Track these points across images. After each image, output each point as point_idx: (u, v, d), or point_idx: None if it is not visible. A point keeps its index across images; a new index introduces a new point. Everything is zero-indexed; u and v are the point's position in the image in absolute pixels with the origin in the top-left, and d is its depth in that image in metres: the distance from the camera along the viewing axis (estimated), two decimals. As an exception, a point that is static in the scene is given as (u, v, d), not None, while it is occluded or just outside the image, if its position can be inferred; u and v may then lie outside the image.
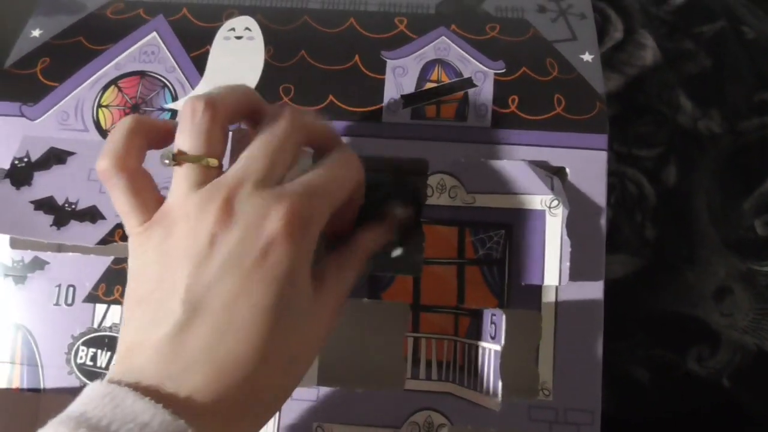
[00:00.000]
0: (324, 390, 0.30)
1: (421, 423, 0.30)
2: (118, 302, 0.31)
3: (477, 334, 0.30)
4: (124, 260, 0.32)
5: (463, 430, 0.30)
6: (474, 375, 0.29)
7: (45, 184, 0.32)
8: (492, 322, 0.28)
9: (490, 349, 0.28)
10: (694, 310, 0.43)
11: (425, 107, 0.32)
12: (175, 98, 0.34)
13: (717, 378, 0.42)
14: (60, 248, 0.32)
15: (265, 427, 0.30)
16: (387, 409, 0.30)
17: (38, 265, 0.32)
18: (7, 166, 0.32)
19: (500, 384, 0.27)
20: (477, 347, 0.30)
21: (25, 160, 0.32)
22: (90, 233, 0.31)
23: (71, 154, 0.32)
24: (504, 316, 0.27)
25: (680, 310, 0.43)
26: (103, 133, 0.33)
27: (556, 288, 0.30)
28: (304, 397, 0.31)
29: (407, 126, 0.32)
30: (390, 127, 0.32)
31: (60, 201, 0.31)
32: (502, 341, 0.27)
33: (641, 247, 0.43)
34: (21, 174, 0.32)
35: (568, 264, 0.29)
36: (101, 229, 0.31)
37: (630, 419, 0.42)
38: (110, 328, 0.31)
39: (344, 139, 0.32)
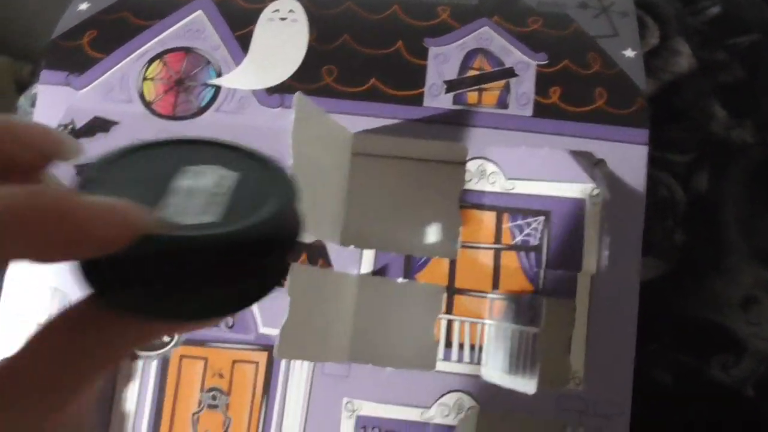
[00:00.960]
0: (355, 366, 0.31)
1: (450, 405, 0.30)
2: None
3: (513, 318, 0.30)
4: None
5: (492, 414, 0.30)
6: (510, 357, 0.30)
7: (89, 152, 0.32)
8: (530, 307, 0.28)
9: (527, 333, 0.29)
10: (721, 318, 0.43)
11: (467, 93, 0.33)
12: (219, 75, 0.34)
13: (741, 386, 0.42)
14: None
15: (296, 400, 0.31)
16: (417, 389, 0.31)
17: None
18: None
19: (536, 367, 0.27)
20: (513, 331, 0.30)
21: (70, 127, 0.33)
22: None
23: (115, 123, 0.33)
24: (544, 301, 0.27)
25: (706, 316, 0.43)
26: (148, 104, 0.34)
27: (592, 278, 0.30)
28: (335, 373, 0.31)
29: (449, 111, 0.33)
30: (431, 111, 0.33)
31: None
32: (540, 325, 0.27)
33: (670, 251, 0.43)
34: (65, 140, 0.33)
35: (606, 253, 0.29)
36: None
37: (651, 422, 0.42)
38: (145, 295, 0.32)
39: (384, 122, 0.33)
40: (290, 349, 0.29)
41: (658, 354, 0.43)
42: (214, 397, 0.31)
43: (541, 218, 0.31)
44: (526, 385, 0.28)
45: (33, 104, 0.47)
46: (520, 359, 0.29)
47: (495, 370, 0.30)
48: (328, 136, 0.32)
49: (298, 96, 0.30)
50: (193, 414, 0.31)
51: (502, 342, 0.30)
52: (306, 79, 0.34)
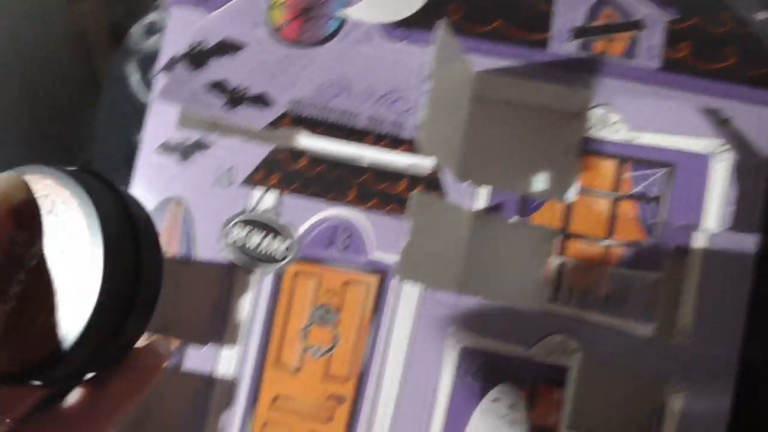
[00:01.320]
0: (464, 299, 0.32)
1: (554, 345, 0.31)
2: (275, 188, 0.33)
3: (631, 264, 0.30)
4: (285, 150, 0.33)
5: (595, 358, 0.31)
6: (623, 303, 0.30)
7: (218, 70, 0.34)
8: (653, 252, 0.29)
9: (645, 279, 0.29)
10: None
11: (594, 42, 0.33)
12: (346, 6, 0.35)
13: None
14: (223, 131, 0.34)
15: (403, 324, 0.32)
16: (522, 327, 0.31)
17: (202, 145, 0.34)
18: (184, 51, 0.34)
19: (652, 314, 0.28)
20: (630, 276, 0.30)
21: (201, 46, 0.34)
22: (258, 117, 0.32)
23: (242, 46, 0.34)
24: (670, 246, 0.28)
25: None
26: (274, 30, 0.35)
27: (709, 234, 0.31)
28: (444, 302, 0.32)
29: (574, 57, 0.33)
30: (557, 56, 0.33)
31: (232, 85, 0.33)
32: (660, 272, 0.27)
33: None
34: (196, 58, 0.34)
35: (731, 209, 0.29)
36: (269, 114, 0.32)
37: (739, 397, 0.42)
38: (264, 212, 0.33)
39: (508, 63, 0.33)
40: (409, 271, 0.30)
41: (752, 329, 0.43)
42: (324, 314, 0.32)
43: (664, 170, 0.31)
44: (640, 330, 0.29)
45: (148, 32, 0.49)
46: (635, 305, 0.30)
47: (606, 315, 0.31)
48: (457, 70, 0.32)
49: (443, 23, 0.30)
50: (303, 328, 0.33)
51: (617, 287, 0.31)
52: (432, 15, 0.34)
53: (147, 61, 0.49)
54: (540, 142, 0.34)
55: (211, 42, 0.34)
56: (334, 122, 0.33)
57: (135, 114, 0.50)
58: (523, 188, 0.33)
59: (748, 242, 0.30)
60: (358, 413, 0.32)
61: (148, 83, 0.48)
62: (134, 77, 0.49)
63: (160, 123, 0.34)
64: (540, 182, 0.33)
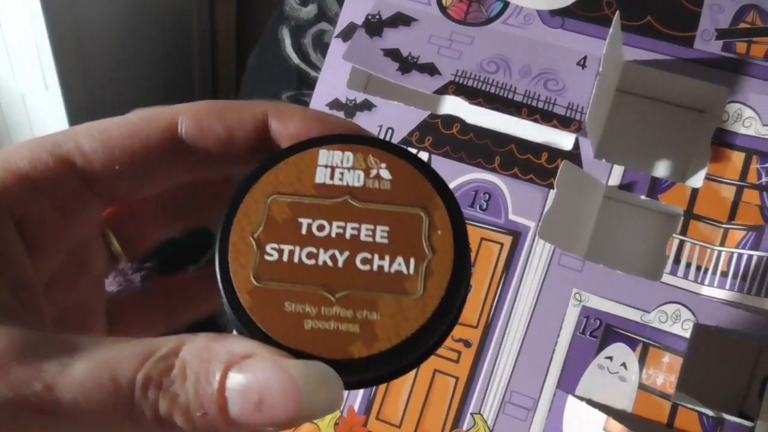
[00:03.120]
0: (589, 264, 0.37)
1: (669, 313, 0.36)
2: (427, 150, 0.39)
3: (754, 245, 0.35)
4: (439, 116, 0.39)
5: (707, 329, 0.35)
6: (742, 280, 0.35)
7: (392, 39, 0.40)
8: (771, 235, 0.33)
9: (762, 260, 0.33)
10: None
11: (736, 43, 0.37)
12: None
13: None
14: (395, 93, 0.40)
15: (531, 282, 0.37)
16: (641, 294, 0.36)
17: (367, 106, 0.40)
18: (361, 21, 0.40)
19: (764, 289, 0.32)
20: (752, 257, 0.35)
21: (377, 17, 0.40)
22: (427, 83, 0.38)
23: (415, 20, 0.40)
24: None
25: None
26: (443, 8, 0.40)
27: (826, 227, 0.35)
28: (570, 265, 0.37)
29: (717, 56, 0.37)
30: (700, 53, 0.37)
31: (404, 54, 0.39)
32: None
33: None
34: (373, 27, 0.40)
35: None
36: (437, 82, 0.38)
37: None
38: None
39: (655, 57, 0.38)
40: (549, 233, 0.35)
41: None
42: (464, 264, 0.38)
43: (792, 164, 0.35)
44: (759, 303, 0.33)
45: (302, 3, 0.56)
46: (755, 282, 0.34)
47: (720, 289, 0.36)
48: (616, 57, 0.37)
49: (618, 15, 0.35)
50: (443, 274, 0.38)
51: (736, 265, 0.35)
52: (587, 7, 0.39)
53: (299, 29, 0.56)
54: (673, 132, 0.38)
55: (387, 14, 0.40)
56: (493, 94, 0.38)
57: (285, 74, 0.57)
58: (654, 170, 0.38)
59: None
60: (483, 358, 0.38)
61: (298, 48, 0.54)
62: (287, 41, 0.55)
63: (330, 82, 0.41)
64: (670, 167, 0.37)
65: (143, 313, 0.25)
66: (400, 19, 0.40)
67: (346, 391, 0.39)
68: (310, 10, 0.55)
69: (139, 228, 0.24)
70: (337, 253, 0.19)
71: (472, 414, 0.37)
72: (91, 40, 0.66)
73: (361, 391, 0.39)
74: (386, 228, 0.19)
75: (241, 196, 0.19)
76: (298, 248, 0.19)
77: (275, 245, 0.19)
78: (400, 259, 0.19)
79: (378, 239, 0.19)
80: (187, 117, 0.20)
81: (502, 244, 0.38)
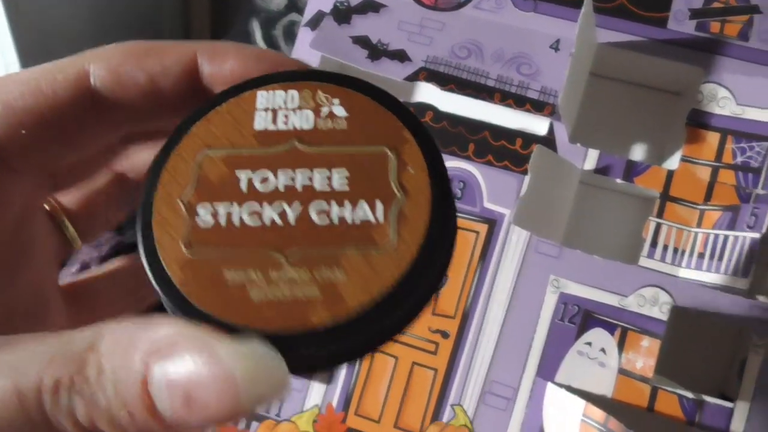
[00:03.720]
0: (566, 250, 0.37)
1: (647, 297, 0.36)
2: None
3: (730, 226, 0.35)
4: (411, 104, 0.39)
5: (685, 311, 0.35)
6: (719, 260, 0.35)
7: (361, 26, 0.39)
8: (752, 214, 0.33)
9: (746, 237, 0.33)
10: None
11: (710, 22, 0.37)
12: (475, -24, 0.40)
13: None
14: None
15: (508, 270, 0.37)
16: (619, 278, 0.36)
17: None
18: (329, 9, 0.40)
19: (753, 267, 0.32)
20: (728, 237, 0.35)
21: (345, 4, 0.40)
22: (398, 70, 0.38)
23: (384, 6, 0.40)
24: (761, 214, 0.32)
25: None
26: (412, -6, 0.40)
27: (802, 206, 0.35)
28: (547, 252, 0.37)
29: (690, 36, 0.37)
30: (674, 34, 0.37)
31: (374, 41, 0.39)
32: (763, 229, 0.32)
33: None
34: (342, 14, 0.40)
35: (827, 181, 0.33)
36: (408, 69, 0.38)
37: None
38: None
39: (629, 38, 0.38)
40: (523, 219, 0.35)
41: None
42: (440, 253, 0.38)
43: (765, 144, 0.35)
44: (735, 283, 0.33)
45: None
46: (734, 260, 0.34)
47: (697, 271, 0.36)
48: (589, 39, 0.37)
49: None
50: (419, 264, 0.38)
51: (712, 246, 0.35)
52: None
53: (270, 21, 0.55)
54: (648, 114, 0.38)
55: (355, 1, 0.40)
56: (465, 79, 0.38)
57: (256, 67, 0.56)
58: (629, 153, 0.37)
59: (841, 217, 0.34)
60: (462, 349, 0.37)
61: (269, 40, 0.54)
62: (257, 34, 0.55)
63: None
64: (646, 149, 0.37)
65: (110, 295, 0.23)
66: (369, 6, 0.40)
67: (325, 385, 0.39)
68: (281, 1, 0.54)
69: (93, 209, 0.22)
70: (286, 207, 0.16)
71: (452, 406, 0.37)
72: (57, 41, 0.65)
73: (339, 387, 0.39)
74: (345, 172, 0.16)
75: (165, 155, 0.17)
76: (237, 207, 0.16)
77: (209, 207, 0.16)
78: (364, 206, 0.16)
79: (336, 186, 0.16)
80: (99, 65, 0.17)
81: (477, 233, 0.38)
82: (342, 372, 0.38)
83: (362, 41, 0.38)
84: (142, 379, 0.14)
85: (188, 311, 0.15)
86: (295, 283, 0.15)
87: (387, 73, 0.38)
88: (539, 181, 0.36)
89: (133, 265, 0.23)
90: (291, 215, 0.16)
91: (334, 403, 0.38)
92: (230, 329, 0.15)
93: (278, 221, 0.16)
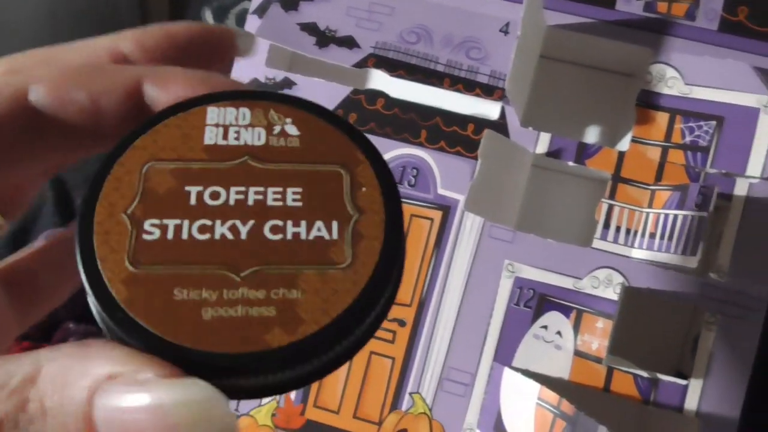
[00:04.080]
0: (520, 234, 0.37)
1: (601, 278, 0.36)
2: (353, 126, 0.38)
3: (679, 205, 0.35)
4: (362, 91, 0.38)
5: (638, 291, 0.36)
6: (669, 240, 0.35)
7: (309, 12, 0.39)
8: (700, 193, 0.33)
9: (694, 216, 0.34)
10: None
11: (658, 2, 0.37)
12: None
13: None
14: (312, 68, 0.39)
15: (463, 256, 0.37)
16: (573, 261, 0.36)
17: (288, 84, 0.39)
18: (275, -7, 0.39)
19: (701, 245, 0.32)
20: (677, 216, 0.35)
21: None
22: (346, 57, 0.37)
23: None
24: (716, 191, 0.32)
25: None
26: (360, -21, 0.39)
27: (750, 184, 0.35)
28: (501, 237, 0.37)
29: (638, 16, 0.37)
30: (622, 15, 0.37)
31: (321, 27, 0.38)
32: (710, 208, 0.32)
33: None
34: (289, 1, 0.39)
35: (773, 159, 0.34)
36: (356, 55, 0.37)
37: (765, 347, 0.46)
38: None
39: (577, 20, 0.38)
40: (474, 205, 0.35)
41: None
42: (394, 241, 0.38)
43: (714, 122, 0.35)
44: (685, 261, 0.34)
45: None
46: (683, 238, 0.34)
47: (649, 251, 0.36)
48: (536, 24, 0.37)
49: None
50: (374, 253, 0.38)
51: (662, 225, 0.36)
52: None
53: (222, 9, 0.54)
54: (599, 96, 0.38)
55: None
56: (414, 65, 0.37)
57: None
58: (581, 136, 0.37)
59: (787, 193, 0.35)
60: (419, 336, 0.37)
61: (219, 16, 0.53)
62: (210, 23, 0.54)
63: (248, 61, 0.39)
64: (597, 131, 0.37)
65: (49, 275, 0.22)
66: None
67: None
68: (231, -10, 0.53)
69: (20, 193, 0.21)
70: (238, 223, 0.16)
71: (410, 394, 0.37)
72: (7, 40, 0.63)
73: (296, 378, 0.38)
74: (299, 189, 0.16)
75: (107, 166, 0.16)
76: (186, 222, 0.15)
77: (156, 221, 0.15)
78: (319, 224, 0.16)
79: (290, 203, 0.16)
80: (40, 82, 0.17)
81: (432, 220, 0.38)
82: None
83: (310, 28, 0.38)
84: (85, 419, 0.13)
85: (133, 332, 0.14)
86: (250, 303, 0.15)
87: (335, 60, 0.37)
88: (490, 167, 0.35)
89: (65, 241, 0.22)
90: (243, 230, 0.16)
91: (293, 395, 0.38)
92: (179, 351, 0.14)
93: (230, 236, 0.15)
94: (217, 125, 0.17)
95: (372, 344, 0.38)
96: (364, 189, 0.16)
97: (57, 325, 0.45)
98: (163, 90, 0.17)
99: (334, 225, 0.16)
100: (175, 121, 0.17)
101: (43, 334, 0.44)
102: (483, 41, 0.38)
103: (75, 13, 0.74)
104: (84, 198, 0.16)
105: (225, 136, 0.17)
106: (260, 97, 0.17)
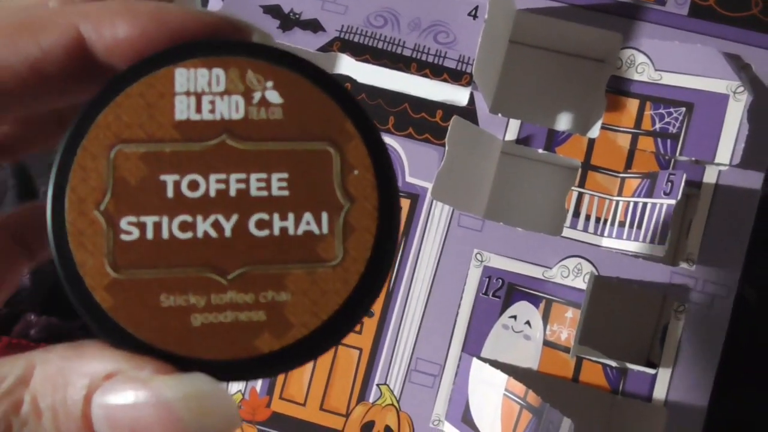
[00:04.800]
0: (489, 223, 0.36)
1: (570, 268, 0.36)
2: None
3: (648, 193, 0.35)
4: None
5: (607, 279, 0.35)
6: (638, 228, 0.35)
7: (272, -5, 0.37)
8: (668, 181, 0.33)
9: (663, 204, 0.33)
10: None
11: (627, -13, 0.37)
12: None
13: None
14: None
15: (431, 245, 0.36)
16: (542, 250, 0.36)
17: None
18: (238, -26, 0.38)
19: (669, 233, 0.32)
20: (646, 204, 0.35)
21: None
22: (311, 41, 0.36)
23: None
24: (684, 176, 0.32)
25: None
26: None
27: (719, 171, 0.35)
28: (470, 226, 0.36)
29: (609, 1, 0.36)
30: (592, -1, 0.37)
31: (285, 10, 0.37)
32: (678, 196, 0.32)
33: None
34: (251, -17, 0.38)
35: (743, 146, 0.33)
36: (321, 39, 0.36)
37: (734, 335, 0.46)
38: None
39: (546, 4, 0.37)
40: (441, 193, 0.34)
41: (746, 270, 0.47)
42: (360, 230, 0.37)
43: (683, 109, 0.35)
44: (653, 250, 0.33)
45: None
46: (652, 227, 0.34)
47: (618, 240, 0.35)
48: (504, 8, 0.36)
49: None
50: (340, 243, 0.37)
51: (632, 214, 0.35)
52: None
53: (186, -10, 0.52)
54: (569, 82, 0.38)
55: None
56: (380, 49, 0.36)
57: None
58: (551, 123, 0.37)
59: (755, 179, 0.35)
60: (386, 327, 0.37)
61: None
62: (173, 5, 0.52)
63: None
64: (567, 118, 0.37)
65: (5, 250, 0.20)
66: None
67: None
68: (196, -31, 0.52)
69: None
70: (221, 218, 0.15)
71: (377, 385, 0.36)
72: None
73: (262, 371, 0.37)
74: (284, 175, 0.15)
75: (70, 151, 0.14)
76: (166, 218, 0.14)
77: (133, 218, 0.14)
78: (308, 216, 0.15)
79: (275, 192, 0.15)
80: None
81: (401, 208, 0.37)
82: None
83: (273, 11, 0.37)
84: (84, 418, 0.13)
85: (122, 340, 0.14)
86: (239, 308, 0.14)
87: (300, 44, 0.36)
88: (458, 154, 0.35)
89: (21, 215, 0.21)
90: (227, 227, 0.15)
91: (258, 387, 0.37)
92: (171, 358, 0.14)
93: (213, 234, 0.14)
94: (188, 93, 0.15)
95: (339, 335, 0.37)
96: (356, 172, 0.15)
97: (17, 317, 0.44)
98: (108, 35, 0.15)
99: (324, 217, 0.15)
100: (138, 89, 0.15)
101: (2, 326, 0.43)
102: (451, 25, 0.37)
103: None
104: (51, 192, 0.14)
105: (198, 109, 0.15)
106: (235, 51, 0.15)
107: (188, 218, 0.14)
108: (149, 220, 0.14)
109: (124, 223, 0.14)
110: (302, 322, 0.14)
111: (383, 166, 0.15)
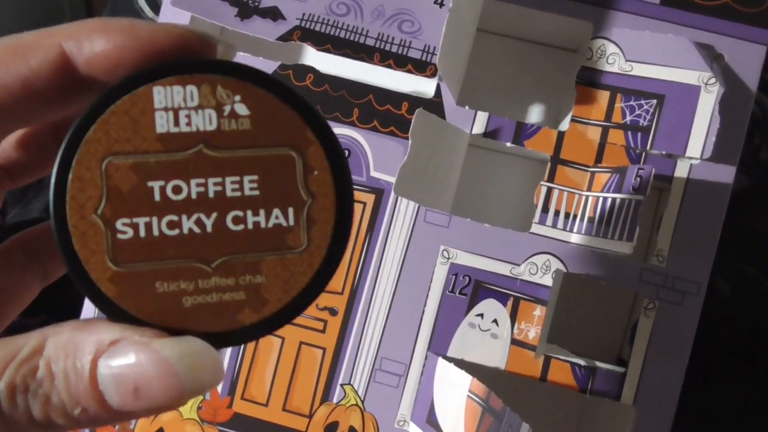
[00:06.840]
0: (456, 219, 0.34)
1: (539, 264, 0.34)
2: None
3: (617, 188, 0.33)
4: (290, 66, 0.35)
5: (576, 276, 0.34)
6: (606, 225, 0.33)
7: None
8: (637, 176, 0.32)
9: (631, 200, 0.32)
10: (789, 240, 0.46)
11: (598, -25, 0.35)
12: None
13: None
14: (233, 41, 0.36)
15: (397, 241, 0.35)
16: (510, 247, 0.34)
17: (209, 57, 0.36)
18: (194, -41, 0.36)
19: (637, 230, 0.31)
20: (615, 200, 0.33)
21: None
22: (270, 30, 0.34)
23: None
24: (653, 170, 0.31)
25: (776, 236, 0.46)
26: (286, -55, 0.36)
27: (690, 165, 0.33)
28: (436, 222, 0.35)
29: (579, -11, 0.35)
30: (562, -13, 0.35)
31: (244, -2, 0.35)
32: (647, 193, 0.30)
33: (752, 167, 0.46)
34: (208, -32, 0.36)
35: (714, 139, 0.32)
36: (281, 28, 0.34)
37: (707, 328, 0.45)
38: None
39: (515, -8, 0.35)
40: (405, 188, 0.32)
41: (721, 263, 0.46)
42: (323, 227, 0.35)
43: (654, 101, 0.33)
44: (621, 247, 0.32)
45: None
46: (620, 224, 0.33)
47: (588, 236, 0.34)
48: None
49: None
50: (302, 239, 0.35)
51: (601, 209, 0.34)
52: None
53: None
54: (538, 72, 0.36)
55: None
56: (342, 38, 0.35)
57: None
58: (520, 115, 0.35)
59: (727, 173, 0.33)
60: (351, 326, 0.35)
61: (152, 3, 0.49)
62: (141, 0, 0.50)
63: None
64: (536, 110, 0.35)
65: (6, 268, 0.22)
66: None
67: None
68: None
69: None
70: (203, 216, 0.17)
71: (341, 385, 0.35)
72: None
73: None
74: (255, 177, 0.17)
75: (66, 164, 0.16)
76: (155, 219, 0.17)
77: (126, 220, 0.17)
78: (276, 211, 0.17)
79: (247, 192, 0.17)
80: None
81: (364, 204, 0.36)
82: (226, 355, 0.36)
83: (231, -2, 0.35)
84: (91, 378, 0.15)
85: (128, 323, 0.17)
86: (222, 290, 0.17)
87: (259, 33, 0.34)
88: (422, 148, 0.33)
89: (36, 234, 0.22)
90: (208, 224, 0.17)
91: (219, 387, 0.36)
92: (168, 332, 0.17)
93: (197, 230, 0.17)
94: (166, 109, 0.17)
95: (302, 334, 0.35)
96: (315, 173, 0.17)
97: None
98: (87, 51, 0.17)
99: (290, 212, 0.17)
100: (122, 107, 0.17)
101: None
102: (416, 13, 0.35)
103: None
104: (53, 201, 0.16)
105: (176, 122, 0.17)
106: (205, 68, 0.17)
107: (174, 218, 0.17)
108: (141, 221, 0.17)
109: (119, 225, 0.17)
110: (276, 299, 0.17)
111: (339, 166, 0.17)
